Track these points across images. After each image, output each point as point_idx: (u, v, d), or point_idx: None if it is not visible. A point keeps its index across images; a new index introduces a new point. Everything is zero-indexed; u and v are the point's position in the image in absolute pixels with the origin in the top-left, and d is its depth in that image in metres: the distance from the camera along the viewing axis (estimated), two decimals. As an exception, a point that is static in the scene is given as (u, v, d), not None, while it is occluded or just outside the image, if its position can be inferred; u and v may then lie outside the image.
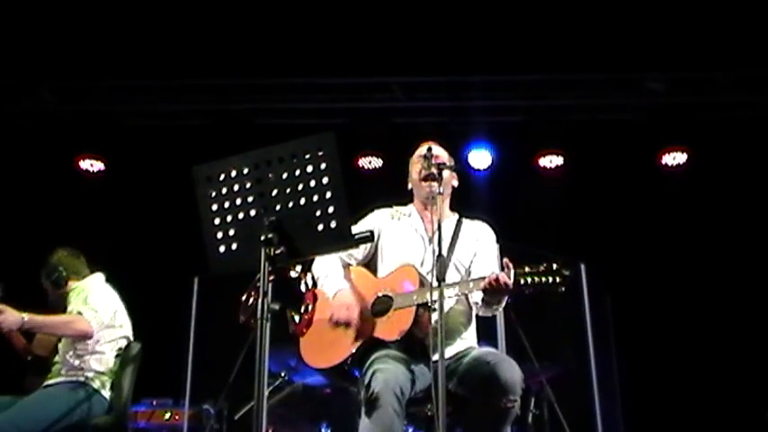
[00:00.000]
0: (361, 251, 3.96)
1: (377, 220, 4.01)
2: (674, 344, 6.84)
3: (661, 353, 6.81)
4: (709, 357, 6.75)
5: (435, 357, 3.26)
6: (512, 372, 3.45)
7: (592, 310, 6.13)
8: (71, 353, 4.50)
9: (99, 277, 4.79)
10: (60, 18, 6.35)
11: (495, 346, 5.37)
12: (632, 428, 6.33)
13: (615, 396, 6.39)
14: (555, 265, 3.38)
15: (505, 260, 3.45)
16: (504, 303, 3.72)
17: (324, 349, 3.76)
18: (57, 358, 4.59)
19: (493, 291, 3.45)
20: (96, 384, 4.47)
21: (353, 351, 3.65)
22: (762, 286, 6.76)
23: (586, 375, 6.05)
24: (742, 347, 6.71)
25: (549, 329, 5.96)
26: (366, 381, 3.39)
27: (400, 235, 3.94)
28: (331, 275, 3.85)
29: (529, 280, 3.40)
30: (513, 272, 3.41)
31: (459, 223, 3.99)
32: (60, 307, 4.68)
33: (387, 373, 3.37)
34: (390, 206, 4.10)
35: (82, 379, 4.46)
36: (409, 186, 4.08)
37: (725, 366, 6.69)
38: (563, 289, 3.39)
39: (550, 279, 3.38)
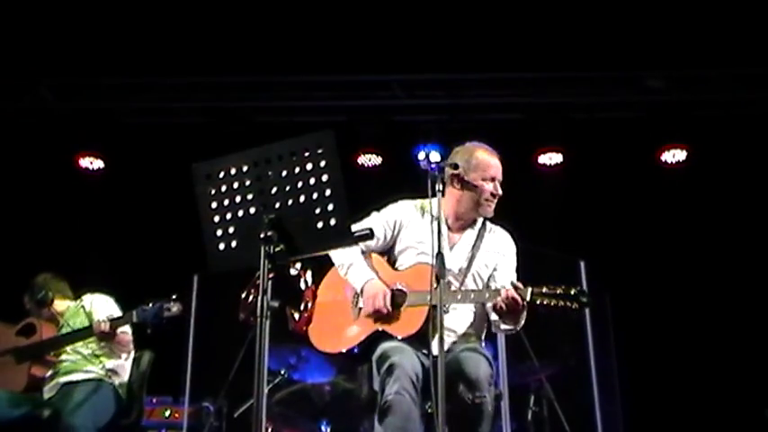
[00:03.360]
0: (379, 243, 3.85)
1: (400, 213, 3.88)
2: (673, 341, 6.84)
3: (661, 350, 6.81)
4: (709, 354, 6.75)
5: (435, 352, 3.25)
6: (476, 367, 3.44)
7: (591, 308, 6.13)
8: (96, 352, 4.64)
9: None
10: (59, 16, 6.34)
11: (496, 343, 5.38)
12: (632, 425, 6.34)
13: (615, 393, 6.39)
14: (573, 291, 3.37)
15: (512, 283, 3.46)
16: (521, 323, 3.64)
17: (332, 333, 3.78)
18: (67, 356, 4.62)
19: (507, 310, 3.44)
20: (117, 385, 4.65)
21: (360, 340, 3.67)
22: (762, 284, 6.76)
23: (586, 373, 6.05)
24: (742, 345, 6.71)
25: (548, 327, 5.96)
26: (383, 373, 3.41)
27: (423, 235, 3.75)
28: (356, 264, 3.77)
29: (545, 301, 3.39)
30: (530, 290, 3.40)
31: (483, 228, 3.89)
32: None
33: (404, 361, 3.40)
34: (413, 198, 3.93)
35: (106, 379, 4.62)
36: (456, 185, 3.81)
37: (725, 364, 6.69)
38: (578, 313, 3.38)
39: (567, 303, 3.37)
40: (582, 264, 5.96)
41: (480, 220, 3.93)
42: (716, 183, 7.10)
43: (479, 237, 3.87)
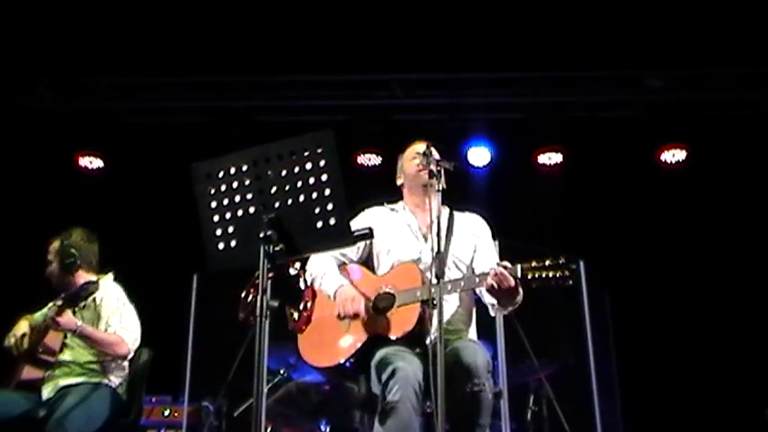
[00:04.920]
0: (355, 252, 3.91)
1: (370, 219, 3.94)
2: (673, 341, 6.84)
3: (660, 350, 6.81)
4: (709, 354, 6.75)
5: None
6: (474, 355, 3.43)
7: (591, 308, 6.14)
8: (94, 356, 4.52)
9: (111, 279, 4.71)
10: (59, 15, 6.34)
11: (495, 343, 5.39)
12: (631, 425, 6.34)
13: (614, 393, 6.39)
14: (561, 260, 3.37)
15: (499, 264, 3.46)
16: (518, 300, 3.62)
17: (325, 347, 3.74)
18: (66, 357, 4.58)
19: (499, 289, 3.42)
20: (115, 386, 4.55)
21: (356, 349, 3.63)
22: (761, 284, 6.76)
23: (585, 372, 6.05)
24: (741, 345, 6.71)
25: (548, 327, 5.97)
26: (385, 378, 3.37)
27: (394, 232, 3.89)
28: (328, 273, 3.82)
29: (537, 275, 3.38)
30: (519, 267, 3.39)
31: (451, 216, 3.95)
32: (62, 290, 4.64)
33: (407, 367, 3.37)
34: (382, 204, 4.06)
35: (105, 381, 4.51)
36: (399, 182, 4.07)
37: (724, 363, 6.70)
38: (570, 282, 3.37)
39: (558, 273, 3.36)
40: (581, 264, 5.97)
41: (447, 209, 3.94)
42: (715, 183, 7.10)
43: (449, 223, 3.89)
